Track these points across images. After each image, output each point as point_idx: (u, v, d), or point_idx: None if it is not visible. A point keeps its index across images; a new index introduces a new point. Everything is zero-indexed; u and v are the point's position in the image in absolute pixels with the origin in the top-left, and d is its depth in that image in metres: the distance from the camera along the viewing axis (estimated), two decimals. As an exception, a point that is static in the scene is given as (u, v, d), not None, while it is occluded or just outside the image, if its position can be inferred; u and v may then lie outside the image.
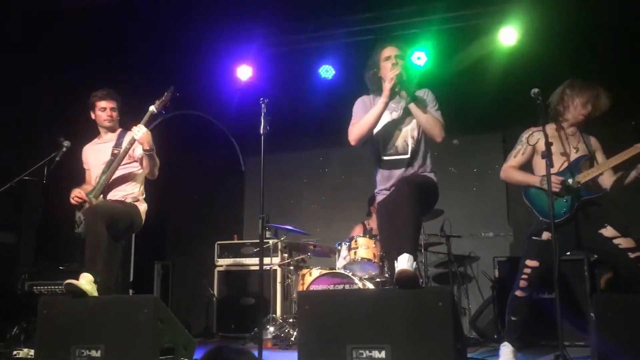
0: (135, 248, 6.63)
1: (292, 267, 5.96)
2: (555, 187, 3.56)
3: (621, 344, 2.49)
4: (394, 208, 3.27)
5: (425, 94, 3.64)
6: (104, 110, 4.28)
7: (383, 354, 2.81)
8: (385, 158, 3.65)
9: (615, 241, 3.49)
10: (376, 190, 3.74)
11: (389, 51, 3.68)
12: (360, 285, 5.08)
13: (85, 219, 3.91)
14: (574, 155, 3.78)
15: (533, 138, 3.84)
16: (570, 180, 3.65)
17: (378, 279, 5.26)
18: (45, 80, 6.52)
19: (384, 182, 3.64)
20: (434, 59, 6.42)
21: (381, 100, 3.52)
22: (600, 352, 2.68)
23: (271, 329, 5.64)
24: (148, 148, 3.97)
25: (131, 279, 6.41)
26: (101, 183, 4.11)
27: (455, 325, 2.87)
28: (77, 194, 4.08)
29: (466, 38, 6.36)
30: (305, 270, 5.53)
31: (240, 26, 6.43)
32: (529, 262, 3.67)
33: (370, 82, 3.74)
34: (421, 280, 5.65)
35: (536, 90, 3.49)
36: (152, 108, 4.11)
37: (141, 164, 4.21)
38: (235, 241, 6.92)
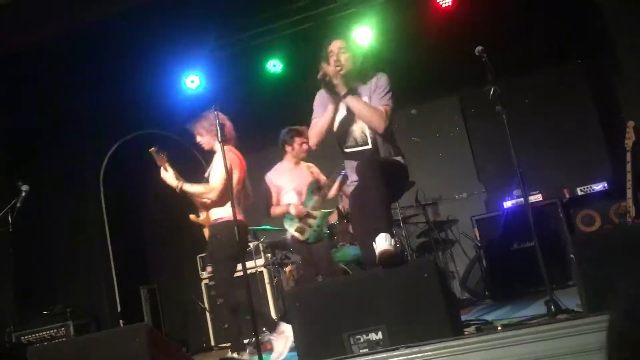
0: (118, 276, 6.52)
1: (277, 265, 5.94)
2: None
3: (604, 279, 2.54)
4: (362, 193, 3.25)
5: (377, 79, 3.51)
6: (301, 145, 5.08)
7: (380, 335, 2.82)
8: (347, 151, 3.60)
9: None
10: (348, 182, 3.75)
11: (332, 45, 3.58)
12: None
13: None
14: None
15: None
16: None
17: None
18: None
19: (353, 174, 3.55)
20: (378, 34, 6.40)
21: (329, 108, 3.50)
22: (587, 291, 2.73)
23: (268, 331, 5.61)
24: None
25: (119, 309, 6.31)
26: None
27: (445, 292, 2.89)
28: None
29: (406, 6, 6.38)
30: (291, 266, 5.52)
31: (183, 36, 6.33)
32: None
33: (320, 80, 3.53)
34: (406, 253, 5.69)
35: (480, 48, 3.51)
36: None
37: None
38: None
